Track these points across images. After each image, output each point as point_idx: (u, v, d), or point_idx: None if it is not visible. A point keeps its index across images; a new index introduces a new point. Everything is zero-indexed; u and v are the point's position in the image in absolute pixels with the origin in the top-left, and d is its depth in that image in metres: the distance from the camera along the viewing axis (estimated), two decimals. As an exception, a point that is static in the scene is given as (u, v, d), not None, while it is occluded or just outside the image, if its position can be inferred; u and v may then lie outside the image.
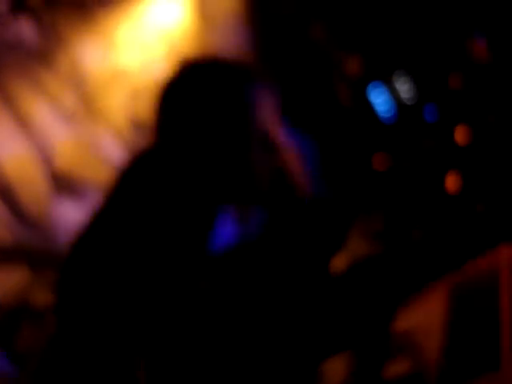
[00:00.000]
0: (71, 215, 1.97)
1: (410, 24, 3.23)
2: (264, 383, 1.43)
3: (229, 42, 3.08)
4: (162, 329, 1.36)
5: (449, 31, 3.17)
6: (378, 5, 3.24)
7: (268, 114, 1.44)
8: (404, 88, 3.29)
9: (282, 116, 1.47)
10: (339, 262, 1.71)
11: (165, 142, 1.44)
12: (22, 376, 1.70)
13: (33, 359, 1.66)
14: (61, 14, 2.20)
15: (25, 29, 2.03)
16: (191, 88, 1.45)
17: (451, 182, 3.08)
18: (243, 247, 1.45)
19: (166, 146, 1.43)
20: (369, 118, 3.33)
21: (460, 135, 3.12)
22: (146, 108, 2.43)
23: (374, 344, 1.49)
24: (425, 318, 1.48)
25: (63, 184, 2.00)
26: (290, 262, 1.55)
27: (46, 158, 1.96)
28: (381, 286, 1.67)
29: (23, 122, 1.93)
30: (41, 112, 2.01)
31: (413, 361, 1.35)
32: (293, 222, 1.53)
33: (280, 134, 1.45)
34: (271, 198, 1.45)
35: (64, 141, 2.06)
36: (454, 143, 3.14)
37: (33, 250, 1.84)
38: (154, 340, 1.36)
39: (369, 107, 3.33)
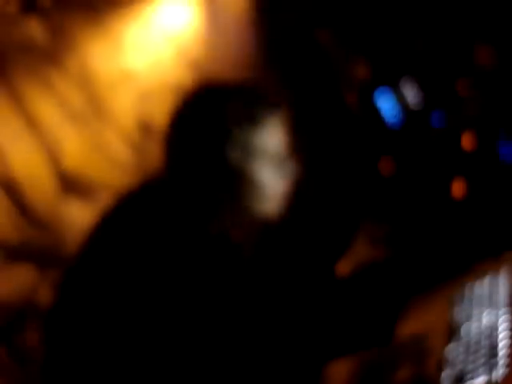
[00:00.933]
0: (79, 215, 1.98)
1: (417, 29, 3.23)
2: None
3: (236, 44, 3.08)
4: None
5: (457, 36, 3.17)
6: (386, 10, 3.24)
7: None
8: (411, 93, 3.29)
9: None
10: (344, 267, 1.71)
11: (175, 171, 1.45)
12: (26, 375, 1.71)
13: (37, 359, 1.67)
14: (70, 15, 2.21)
15: (34, 29, 2.04)
16: (200, 117, 1.47)
17: (457, 189, 3.08)
18: (248, 251, 1.45)
19: (177, 175, 1.45)
20: (375, 124, 3.33)
21: (467, 141, 3.12)
22: (153, 110, 2.44)
23: (378, 348, 1.49)
24: (429, 323, 1.48)
25: (71, 184, 2.00)
26: (296, 265, 1.55)
27: (53, 158, 1.97)
28: (385, 290, 1.67)
29: (31, 122, 1.93)
30: (49, 112, 2.01)
31: (417, 366, 1.35)
32: (297, 228, 1.54)
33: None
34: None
35: (72, 141, 2.07)
36: (460, 149, 3.14)
37: (40, 249, 1.84)
38: None
39: (375, 112, 3.33)
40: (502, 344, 1.25)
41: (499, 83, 3.03)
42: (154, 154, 2.00)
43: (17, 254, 1.78)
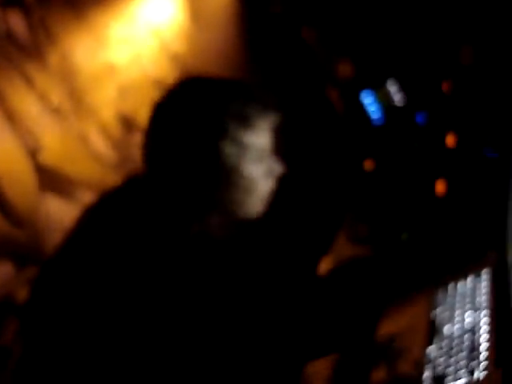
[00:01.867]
0: (57, 211, 1.96)
1: (401, 28, 3.23)
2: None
3: (219, 39, 3.07)
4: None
5: (440, 37, 3.17)
6: (370, 9, 3.24)
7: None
8: (395, 92, 3.29)
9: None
10: (325, 265, 1.70)
11: (155, 167, 1.44)
12: (5, 371, 1.69)
13: (15, 355, 1.65)
14: (51, 9, 2.19)
15: (15, 23, 2.02)
16: (182, 108, 1.45)
17: (441, 186, 3.08)
18: (230, 250, 1.44)
19: (157, 172, 1.43)
20: (360, 121, 3.33)
21: (450, 140, 3.12)
22: (135, 104, 2.42)
23: (358, 347, 1.48)
24: (409, 322, 1.47)
25: (50, 179, 1.99)
26: (277, 264, 1.54)
27: (33, 152, 1.95)
28: (366, 289, 1.66)
29: (11, 117, 1.91)
30: (29, 107, 1.99)
31: (393, 366, 1.34)
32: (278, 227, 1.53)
33: None
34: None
35: (51, 136, 2.05)
36: (444, 147, 3.14)
37: (18, 246, 1.82)
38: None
39: (360, 110, 3.33)
40: (484, 346, 1.24)
41: (482, 83, 3.04)
42: (135, 148, 1.99)
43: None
